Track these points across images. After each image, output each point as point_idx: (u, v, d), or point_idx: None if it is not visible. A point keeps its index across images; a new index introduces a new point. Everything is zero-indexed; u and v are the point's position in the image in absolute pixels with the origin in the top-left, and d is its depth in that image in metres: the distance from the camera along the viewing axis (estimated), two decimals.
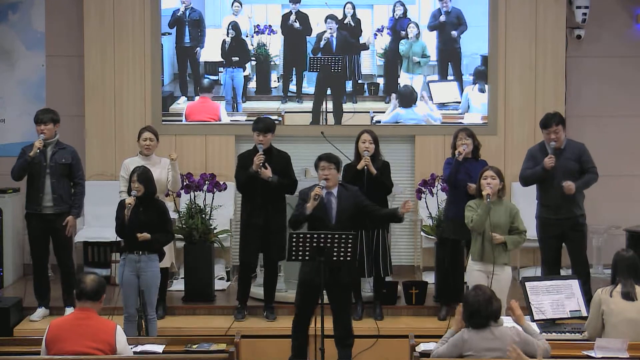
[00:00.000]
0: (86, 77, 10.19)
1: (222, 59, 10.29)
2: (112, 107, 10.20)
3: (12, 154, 8.72)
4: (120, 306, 7.65)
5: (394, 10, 10.23)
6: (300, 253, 6.95)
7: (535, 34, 10.18)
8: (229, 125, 10.25)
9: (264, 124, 8.30)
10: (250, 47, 10.28)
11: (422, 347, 6.20)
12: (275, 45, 10.30)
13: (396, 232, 9.92)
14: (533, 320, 6.85)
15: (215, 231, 9.06)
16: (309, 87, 10.30)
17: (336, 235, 6.92)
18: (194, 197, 9.05)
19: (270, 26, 10.28)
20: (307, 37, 10.26)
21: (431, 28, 10.24)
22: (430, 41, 10.25)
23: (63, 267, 8.42)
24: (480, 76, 10.24)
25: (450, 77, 10.26)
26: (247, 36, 10.28)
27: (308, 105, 10.29)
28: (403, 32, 10.23)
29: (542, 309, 6.98)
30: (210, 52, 10.28)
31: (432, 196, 9.36)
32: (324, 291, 7.04)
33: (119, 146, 10.13)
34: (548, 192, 8.18)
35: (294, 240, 6.93)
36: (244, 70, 10.28)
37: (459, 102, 10.27)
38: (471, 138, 8.16)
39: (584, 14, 10.16)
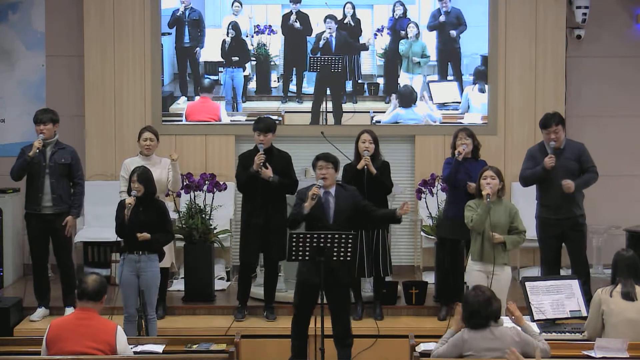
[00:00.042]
0: (86, 77, 10.20)
1: (222, 59, 10.29)
2: (112, 107, 10.20)
3: (12, 154, 8.72)
4: (120, 306, 7.66)
5: (393, 10, 10.23)
6: (300, 253, 6.95)
7: (535, 34, 10.18)
8: (229, 125, 10.25)
9: (264, 124, 8.30)
10: (250, 47, 10.28)
11: (422, 347, 6.20)
12: (275, 45, 10.30)
13: (396, 232, 9.92)
14: (533, 320, 6.85)
15: (215, 231, 9.07)
16: (309, 87, 10.30)
17: (336, 235, 6.92)
18: (194, 197, 9.05)
19: (270, 26, 10.28)
20: (308, 37, 10.26)
21: (431, 28, 10.24)
22: (430, 41, 10.25)
23: (63, 267, 8.42)
24: (480, 76, 10.24)
25: (450, 77, 10.26)
26: (247, 36, 10.28)
27: (308, 105, 10.29)
28: (403, 32, 10.23)
29: (542, 309, 6.97)
30: (210, 52, 10.28)
31: (432, 196, 9.37)
32: (323, 291, 7.05)
33: (119, 146, 10.13)
34: (548, 192, 8.18)
35: (294, 240, 6.93)
36: (244, 70, 10.28)
37: (459, 102, 10.27)
38: (471, 138, 8.16)
39: (584, 14, 10.15)
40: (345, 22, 10.24)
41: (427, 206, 9.41)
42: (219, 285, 9.26)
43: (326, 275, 6.94)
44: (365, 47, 10.25)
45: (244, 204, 8.45)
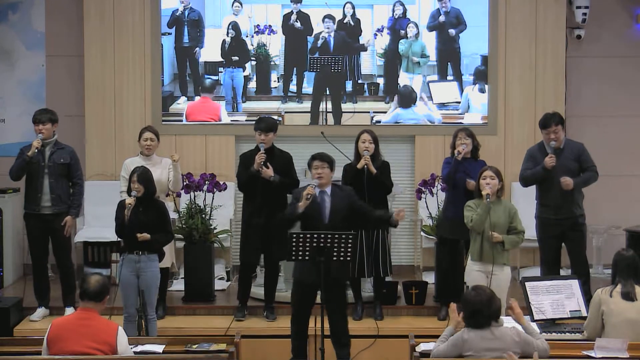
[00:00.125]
0: (86, 77, 10.20)
1: (222, 59, 10.28)
2: (112, 107, 10.20)
3: (12, 154, 8.72)
4: (120, 306, 7.66)
5: (393, 10, 10.23)
6: (300, 253, 6.95)
7: (535, 34, 10.18)
8: (229, 125, 10.25)
9: (265, 124, 8.30)
10: (250, 47, 10.28)
11: (422, 347, 6.20)
12: (275, 45, 10.30)
13: (396, 232, 9.92)
14: (533, 320, 6.85)
15: (215, 231, 9.07)
16: (309, 87, 10.30)
17: (336, 235, 6.92)
18: (194, 197, 9.05)
19: (270, 26, 10.28)
20: (308, 37, 10.26)
21: (430, 28, 10.24)
22: (429, 41, 10.25)
23: (62, 267, 8.42)
24: (480, 76, 10.24)
25: (449, 77, 10.26)
26: (247, 36, 10.28)
27: (308, 105, 10.29)
28: (402, 32, 10.23)
29: (542, 309, 6.98)
30: (210, 52, 10.28)
31: (432, 196, 9.37)
32: (319, 291, 7.06)
33: (119, 146, 10.13)
34: (548, 192, 8.18)
35: (294, 240, 6.93)
36: (244, 70, 10.28)
37: (459, 102, 10.27)
38: (471, 138, 8.17)
39: (584, 14, 10.15)
40: (345, 22, 10.24)
41: (427, 206, 9.42)
42: (219, 285, 9.26)
43: (322, 274, 6.93)
44: (364, 48, 10.25)
45: (245, 203, 8.45)
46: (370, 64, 10.32)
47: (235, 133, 10.21)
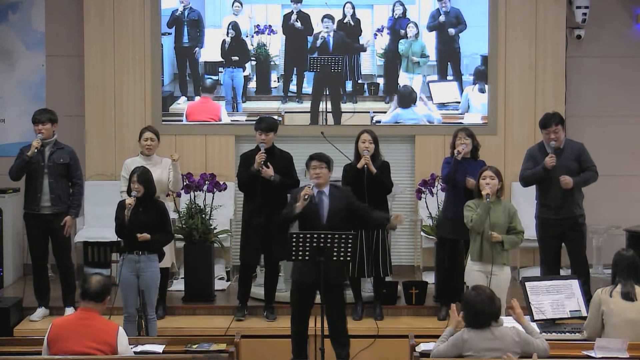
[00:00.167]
0: (86, 77, 10.20)
1: (222, 59, 10.28)
2: (112, 107, 10.20)
3: (12, 154, 8.72)
4: (120, 306, 7.65)
5: (393, 10, 10.23)
6: (300, 253, 6.95)
7: (535, 34, 10.18)
8: (229, 125, 10.25)
9: (266, 124, 8.30)
10: (250, 47, 10.28)
11: (422, 347, 6.20)
12: (275, 45, 10.30)
13: (396, 232, 9.90)
14: (533, 320, 6.85)
15: (215, 231, 9.07)
16: (309, 87, 10.30)
17: (336, 235, 6.92)
18: (194, 197, 9.05)
19: (270, 26, 10.28)
20: (308, 37, 10.26)
21: (430, 28, 10.24)
22: (429, 41, 10.25)
23: (62, 267, 8.42)
24: (480, 76, 10.24)
25: (449, 77, 10.26)
26: (247, 36, 10.28)
27: (308, 105, 10.29)
28: (402, 32, 10.23)
29: (542, 309, 6.97)
30: (210, 52, 10.28)
31: (432, 196, 9.37)
32: (317, 290, 7.06)
33: (119, 146, 10.13)
34: (548, 192, 8.18)
35: (294, 240, 6.93)
36: (243, 70, 10.28)
37: (459, 102, 10.27)
38: (470, 138, 8.17)
39: (584, 14, 10.15)
40: (345, 22, 10.24)
41: (427, 206, 9.41)
42: (219, 285, 9.26)
43: (319, 274, 6.93)
44: (363, 49, 10.25)
45: (245, 203, 8.45)
46: (370, 64, 10.32)
47: (235, 133, 10.21)
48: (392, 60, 10.25)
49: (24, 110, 10.17)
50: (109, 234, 8.30)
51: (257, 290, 8.73)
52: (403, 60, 10.24)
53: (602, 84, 10.36)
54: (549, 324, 6.94)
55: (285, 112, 10.26)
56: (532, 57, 10.19)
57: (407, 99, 10.23)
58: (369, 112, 10.26)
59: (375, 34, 10.27)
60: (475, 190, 7.51)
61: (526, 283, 7.11)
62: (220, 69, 10.28)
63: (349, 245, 6.93)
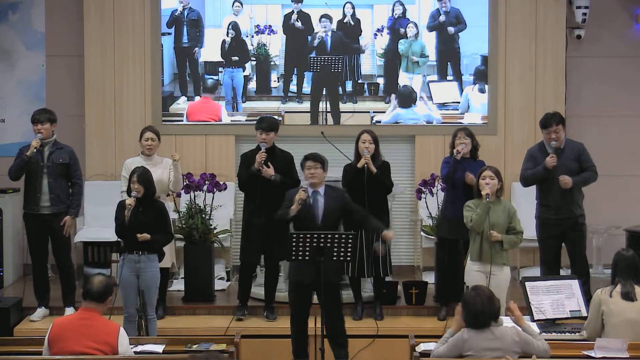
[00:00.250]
0: (86, 77, 10.20)
1: (222, 59, 10.28)
2: (112, 107, 10.20)
3: (12, 154, 8.71)
4: (120, 306, 7.65)
5: (393, 10, 10.23)
6: (300, 253, 6.94)
7: (535, 34, 10.18)
8: (229, 125, 10.25)
9: (267, 123, 8.30)
10: (250, 47, 10.28)
11: (422, 347, 6.20)
12: (275, 45, 10.30)
13: (396, 232, 9.89)
14: (533, 320, 6.84)
15: (215, 231, 9.07)
16: (309, 87, 10.30)
17: (336, 236, 6.91)
18: (194, 197, 9.05)
19: (270, 26, 10.28)
20: (309, 37, 10.26)
21: (430, 29, 10.24)
22: (429, 41, 10.24)
23: (62, 267, 8.43)
24: (480, 76, 10.24)
25: (449, 77, 10.26)
26: (247, 36, 10.28)
27: (308, 105, 10.29)
28: (402, 32, 10.23)
29: (542, 309, 6.97)
30: (210, 52, 10.28)
31: (432, 196, 9.37)
32: (314, 291, 7.05)
33: (119, 146, 10.13)
34: (548, 192, 8.18)
35: (294, 240, 6.93)
36: (243, 70, 10.28)
37: (459, 102, 10.26)
38: (470, 138, 8.17)
39: (584, 14, 10.15)
40: (345, 22, 10.24)
41: (427, 206, 9.41)
42: (219, 285, 9.26)
43: (316, 274, 6.93)
44: (361, 51, 10.23)
45: (245, 203, 8.45)
46: (370, 64, 10.32)
47: (236, 133, 10.21)
48: (392, 60, 10.25)
49: (24, 110, 10.16)
50: (109, 234, 8.29)
51: (257, 290, 8.73)
52: (403, 60, 10.25)
53: (602, 84, 10.36)
54: (549, 324, 6.93)
55: (286, 112, 10.26)
56: (532, 57, 10.18)
57: (407, 99, 10.23)
58: (369, 112, 10.26)
59: (375, 34, 10.27)
60: (474, 190, 7.51)
61: (526, 283, 7.11)
62: (220, 69, 10.28)
63: (349, 245, 6.92)
